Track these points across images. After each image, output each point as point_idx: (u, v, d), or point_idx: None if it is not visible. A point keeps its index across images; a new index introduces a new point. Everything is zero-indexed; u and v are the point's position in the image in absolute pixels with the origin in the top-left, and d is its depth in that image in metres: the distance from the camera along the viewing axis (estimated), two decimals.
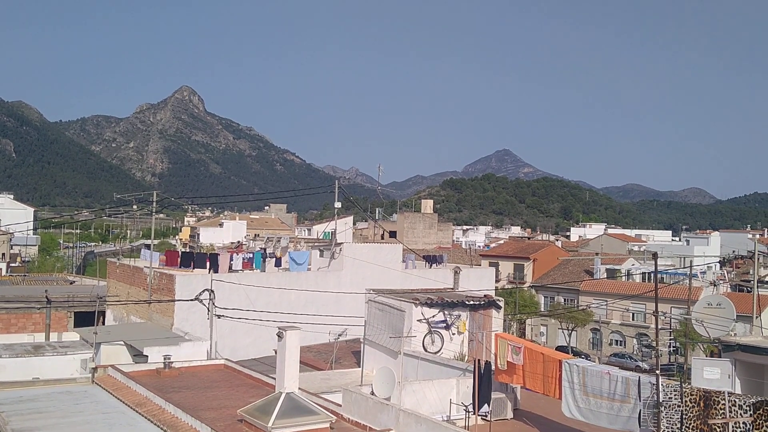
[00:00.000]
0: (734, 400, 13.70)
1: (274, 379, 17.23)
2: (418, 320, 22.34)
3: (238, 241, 76.37)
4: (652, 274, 64.51)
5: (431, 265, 40.75)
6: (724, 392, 14.06)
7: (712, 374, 18.75)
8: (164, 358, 21.22)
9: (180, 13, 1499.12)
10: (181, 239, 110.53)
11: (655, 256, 17.92)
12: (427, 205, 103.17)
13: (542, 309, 73.00)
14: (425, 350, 22.08)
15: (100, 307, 33.35)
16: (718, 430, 13.67)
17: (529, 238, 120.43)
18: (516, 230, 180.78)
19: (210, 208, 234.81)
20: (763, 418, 13.22)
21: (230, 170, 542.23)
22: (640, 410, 14.63)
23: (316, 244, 46.50)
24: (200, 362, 22.49)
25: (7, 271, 66.18)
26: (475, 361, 17.64)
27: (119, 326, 32.45)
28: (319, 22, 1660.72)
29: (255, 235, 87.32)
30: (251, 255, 35.59)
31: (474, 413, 16.84)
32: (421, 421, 14.01)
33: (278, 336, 16.28)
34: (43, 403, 17.59)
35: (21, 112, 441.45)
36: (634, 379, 15.01)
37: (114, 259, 42.09)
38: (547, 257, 79.27)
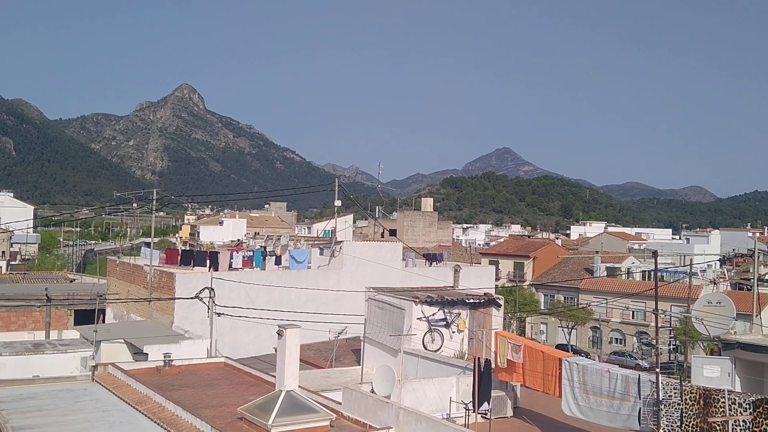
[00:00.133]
0: (734, 398, 13.70)
1: (274, 377, 17.25)
2: (418, 318, 22.35)
3: (238, 240, 76.37)
4: (652, 273, 64.49)
5: (431, 264, 40.75)
6: (723, 390, 14.06)
7: (712, 372, 18.77)
8: (164, 356, 21.23)
9: (180, 11, 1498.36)
10: (181, 237, 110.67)
11: (655, 254, 17.90)
12: (427, 203, 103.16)
13: (542, 307, 73.04)
14: (425, 348, 22.08)
15: (100, 305, 33.36)
16: (717, 428, 13.68)
17: (529, 237, 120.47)
18: (516, 228, 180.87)
19: (210, 207, 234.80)
20: (763, 416, 13.23)
21: (230, 168, 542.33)
22: (640, 408, 14.63)
23: (316, 242, 46.54)
24: (200, 360, 22.51)
25: (7, 269, 66.21)
26: (475, 359, 17.65)
27: (119, 324, 32.47)
28: (319, 21, 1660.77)
29: (255, 233, 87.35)
30: (251, 253, 35.60)
31: (474, 411, 16.85)
32: (420, 419, 14.01)
33: (278, 334, 16.30)
34: (43, 400, 17.61)
35: (21, 110, 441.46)
36: (634, 377, 15.01)
37: (114, 257, 42.12)
38: (547, 255, 79.33)
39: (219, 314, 26.89)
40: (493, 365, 18.17)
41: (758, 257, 45.65)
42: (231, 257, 33.78)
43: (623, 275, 73.00)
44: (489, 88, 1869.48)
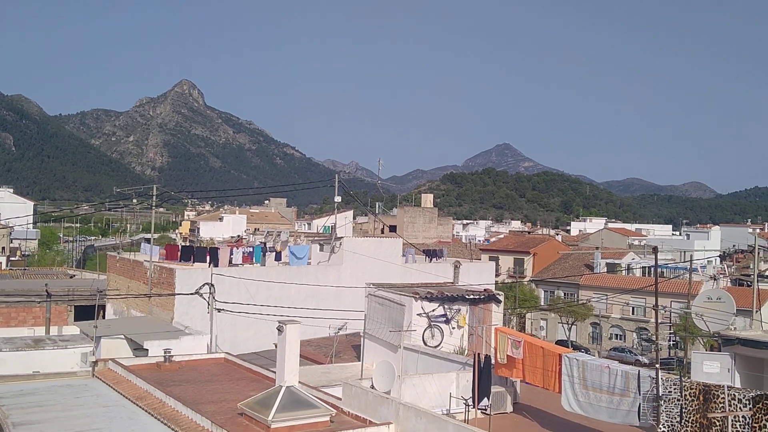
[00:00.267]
0: (734, 394, 13.71)
1: (274, 372, 17.24)
2: (418, 314, 22.36)
3: (238, 235, 76.37)
4: (652, 269, 64.55)
5: (431, 260, 40.75)
6: (723, 386, 14.07)
7: (711, 368, 18.77)
8: (164, 352, 21.23)
9: (180, 7, 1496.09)
10: (181, 233, 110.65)
11: (655, 250, 17.93)
12: (427, 199, 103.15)
13: (542, 303, 73.09)
14: (425, 344, 22.10)
15: (100, 301, 33.38)
16: (717, 423, 13.69)
17: (529, 233, 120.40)
18: (516, 224, 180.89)
19: (210, 202, 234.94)
20: (763, 411, 13.24)
21: (230, 164, 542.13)
22: (640, 404, 14.65)
23: (316, 238, 46.54)
24: (200, 356, 22.51)
25: (7, 265, 66.12)
26: (474, 355, 17.66)
27: (119, 320, 32.48)
28: (319, 16, 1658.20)
29: (255, 229, 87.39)
30: (251, 249, 35.58)
31: (474, 407, 16.87)
32: (420, 415, 14.03)
33: (278, 330, 16.29)
34: (43, 396, 17.62)
35: (21, 105, 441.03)
36: (634, 373, 15.03)
37: (114, 252, 42.09)
38: (547, 251, 79.38)
39: (219, 310, 26.90)
40: (492, 361, 18.18)
41: (758, 253, 45.64)
42: (231, 253, 33.77)
43: (623, 271, 73.03)
44: (489, 84, 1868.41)
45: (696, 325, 23.47)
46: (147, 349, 23.12)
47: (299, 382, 16.22)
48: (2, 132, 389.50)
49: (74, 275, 51.25)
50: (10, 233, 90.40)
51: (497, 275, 62.88)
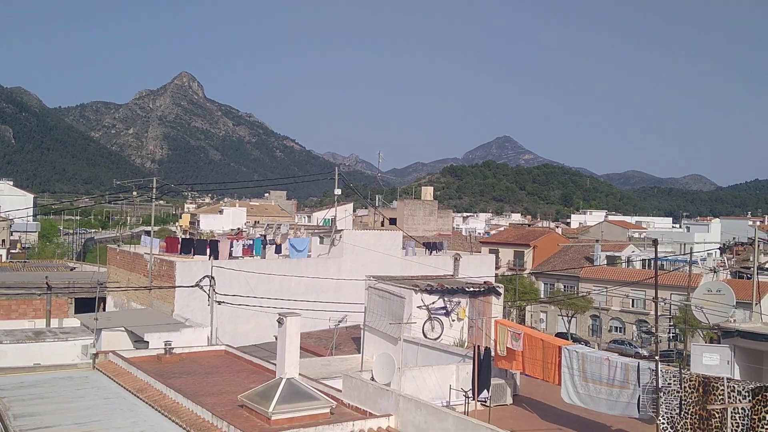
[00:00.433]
0: (733, 386, 13.74)
1: (275, 365, 17.27)
2: (418, 307, 22.38)
3: (238, 228, 76.38)
4: (652, 261, 64.60)
5: (431, 252, 40.77)
6: (723, 378, 14.10)
7: (711, 360, 18.82)
8: (165, 344, 21.26)
9: None
10: (181, 226, 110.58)
11: (655, 242, 17.91)
12: (428, 192, 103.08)
13: (542, 296, 73.15)
14: (425, 336, 22.14)
15: (100, 294, 33.38)
16: (716, 415, 13.72)
17: (529, 225, 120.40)
18: (516, 217, 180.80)
19: (210, 195, 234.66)
20: (762, 403, 13.26)
21: (230, 157, 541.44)
22: (639, 396, 14.68)
23: (316, 230, 46.54)
24: (201, 348, 22.54)
25: (7, 258, 66.22)
26: (474, 347, 17.70)
27: (120, 312, 32.53)
28: (319, 8, 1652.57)
29: (255, 221, 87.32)
30: (251, 242, 35.60)
31: (473, 399, 16.91)
32: (420, 407, 14.05)
33: (278, 322, 16.31)
34: (44, 388, 17.66)
35: (20, 98, 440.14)
36: (634, 365, 15.05)
37: (114, 245, 42.12)
38: (547, 244, 79.39)
39: (219, 302, 26.91)
40: (492, 353, 18.22)
41: (758, 246, 45.66)
42: (231, 246, 33.78)
43: (623, 264, 73.06)
44: (490, 77, 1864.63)
45: (696, 317, 23.50)
46: (147, 342, 23.16)
47: (299, 374, 16.25)
48: (2, 124, 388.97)
49: (74, 268, 51.29)
50: (11, 226, 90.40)
51: (497, 268, 62.90)
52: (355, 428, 13.95)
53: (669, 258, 70.33)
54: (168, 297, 29.52)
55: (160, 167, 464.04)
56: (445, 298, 22.88)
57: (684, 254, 67.30)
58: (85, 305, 34.42)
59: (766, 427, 13.13)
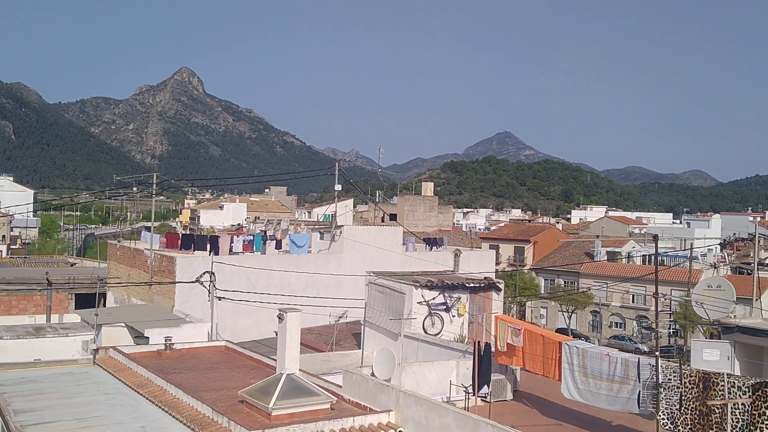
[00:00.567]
0: (733, 382, 13.74)
1: (275, 360, 17.29)
2: (418, 302, 22.39)
3: (239, 224, 76.38)
4: (653, 257, 64.58)
5: (431, 248, 40.77)
6: (723, 374, 14.10)
7: (711, 356, 18.82)
8: (165, 340, 21.27)
9: None
10: (181, 221, 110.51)
11: (655, 238, 17.91)
12: (428, 187, 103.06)
13: (542, 291, 73.18)
14: (425, 332, 22.14)
15: (100, 289, 33.41)
16: (716, 411, 13.73)
17: (529, 221, 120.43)
18: (516, 213, 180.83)
19: (210, 191, 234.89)
20: (762, 399, 13.27)
21: (230, 152, 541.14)
22: (640, 391, 14.68)
23: (316, 226, 46.53)
24: (201, 344, 22.55)
25: (7, 253, 66.18)
26: (475, 342, 17.70)
27: (120, 308, 32.55)
28: (319, 4, 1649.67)
29: (255, 217, 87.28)
30: (251, 237, 35.59)
31: (474, 394, 16.92)
32: (421, 402, 14.07)
33: (279, 318, 16.32)
34: (44, 384, 17.67)
35: (20, 93, 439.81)
36: (634, 360, 15.05)
37: (114, 241, 42.10)
38: (547, 240, 79.35)
39: (219, 298, 26.92)
40: (493, 349, 18.22)
41: (759, 241, 45.65)
42: (231, 241, 33.77)
43: (623, 259, 73.07)
44: (490, 72, 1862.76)
45: (696, 313, 23.54)
46: (148, 337, 23.17)
47: (300, 369, 16.27)
48: (2, 120, 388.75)
49: (75, 263, 51.29)
50: (11, 221, 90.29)
51: (497, 263, 62.93)
52: (355, 424, 13.97)
53: (669, 254, 70.30)
54: (168, 293, 29.54)
55: (161, 163, 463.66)
56: (446, 294, 22.89)
57: (684, 250, 67.26)
58: (86, 301, 34.44)
59: (766, 422, 13.14)
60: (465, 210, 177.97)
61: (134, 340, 24.69)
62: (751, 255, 51.19)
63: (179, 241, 34.68)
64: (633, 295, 66.51)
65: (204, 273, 27.21)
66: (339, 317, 27.04)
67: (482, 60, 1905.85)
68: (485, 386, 17.34)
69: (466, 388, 16.93)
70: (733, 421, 13.45)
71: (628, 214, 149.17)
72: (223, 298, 26.91)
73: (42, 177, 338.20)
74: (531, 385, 19.35)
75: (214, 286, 26.92)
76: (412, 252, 38.14)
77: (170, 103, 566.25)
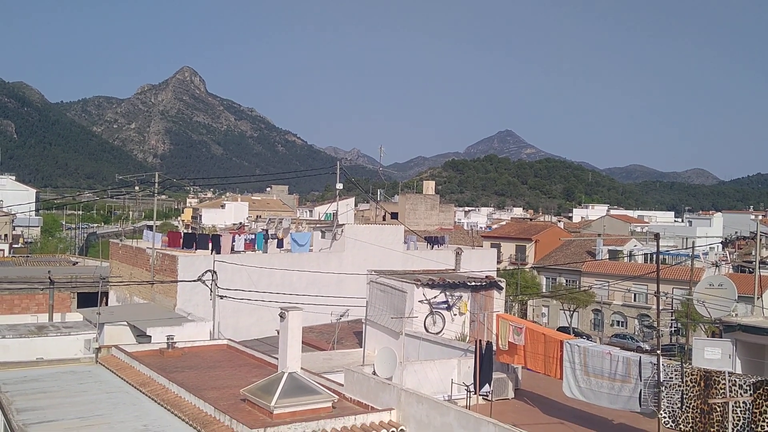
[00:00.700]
0: (734, 380, 13.74)
1: (277, 359, 17.32)
2: (419, 301, 22.40)
3: (240, 223, 76.44)
4: (654, 255, 64.56)
5: (433, 247, 40.78)
6: (724, 372, 14.09)
7: (713, 354, 18.80)
8: (167, 339, 21.31)
9: None
10: (183, 220, 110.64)
11: (657, 237, 17.90)
12: (429, 186, 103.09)
13: (544, 290, 73.16)
14: (427, 331, 22.15)
15: (103, 288, 33.43)
16: (718, 409, 13.73)
17: (531, 220, 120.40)
18: (518, 211, 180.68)
19: (212, 190, 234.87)
20: (764, 397, 13.27)
21: (232, 151, 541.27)
22: (641, 390, 14.68)
23: (317, 225, 46.56)
24: (203, 342, 22.59)
25: (9, 252, 66.28)
26: (476, 341, 17.70)
27: (122, 307, 32.60)
28: (320, 3, 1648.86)
29: (257, 216, 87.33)
30: (253, 236, 35.64)
31: (475, 393, 16.93)
32: (422, 401, 14.08)
33: (280, 316, 16.35)
34: (47, 383, 17.71)
35: (22, 92, 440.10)
36: (635, 359, 15.05)
37: (116, 240, 42.17)
38: (549, 238, 79.32)
39: (221, 297, 26.96)
40: (494, 347, 18.22)
41: (760, 240, 45.57)
42: (233, 240, 33.82)
43: (625, 258, 73.06)
44: (491, 71, 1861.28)
45: (697, 311, 23.52)
46: (150, 336, 23.21)
47: (301, 368, 16.30)
48: (4, 119, 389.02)
49: (77, 262, 51.36)
50: (13, 221, 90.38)
51: (499, 262, 62.93)
52: (356, 422, 13.99)
53: (671, 252, 70.31)
54: (170, 291, 29.58)
55: (162, 162, 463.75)
56: (447, 293, 22.89)
57: (686, 248, 67.28)
58: (88, 300, 34.51)
59: (767, 421, 13.15)
60: (466, 208, 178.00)
61: (136, 338, 24.73)
62: (753, 253, 51.14)
63: (181, 240, 34.74)
64: (634, 294, 66.49)
65: (206, 272, 27.25)
66: (340, 316, 27.05)
67: (483, 58, 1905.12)
68: (487, 385, 17.34)
69: (467, 386, 16.94)
70: (734, 420, 13.46)
71: (630, 213, 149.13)
72: (225, 296, 26.95)
73: (44, 176, 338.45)
74: (532, 383, 19.36)
75: (216, 284, 26.96)
76: (414, 251, 38.16)
77: (172, 103, 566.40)
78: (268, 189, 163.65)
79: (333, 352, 24.40)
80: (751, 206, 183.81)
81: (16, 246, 77.17)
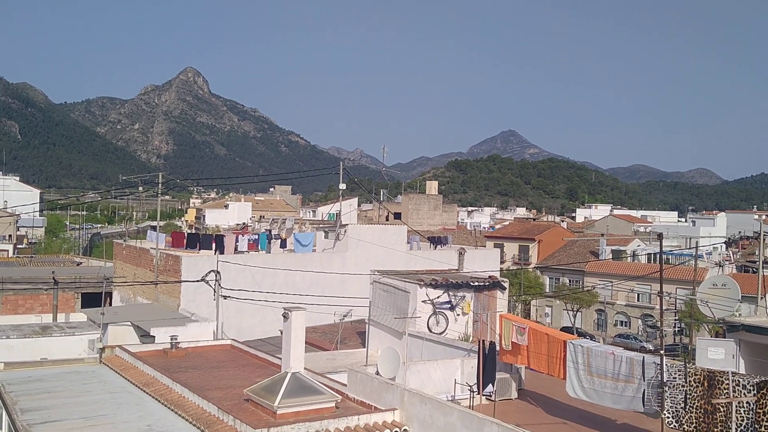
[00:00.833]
0: (738, 380, 13.72)
1: (280, 359, 17.33)
2: (422, 301, 22.40)
3: (244, 223, 76.59)
4: (658, 255, 64.47)
5: (436, 247, 40.78)
6: (728, 372, 14.07)
7: (716, 354, 18.77)
8: (171, 339, 21.36)
9: None
10: (186, 221, 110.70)
11: (660, 236, 17.86)
12: (432, 186, 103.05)
13: (547, 290, 73.09)
14: (430, 331, 22.16)
15: (107, 288, 33.55)
16: (721, 409, 13.72)
17: (534, 220, 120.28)
18: (521, 211, 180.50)
19: (215, 190, 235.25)
20: (767, 397, 13.25)
21: (235, 152, 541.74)
22: (644, 390, 14.68)
23: (321, 225, 46.58)
24: (207, 342, 22.63)
25: (14, 253, 66.45)
26: (479, 341, 17.70)
27: (126, 307, 32.67)
28: (324, 3, 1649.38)
29: (260, 216, 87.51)
30: (256, 236, 35.67)
31: (478, 393, 16.94)
32: (425, 401, 14.09)
33: (284, 317, 16.36)
34: (51, 383, 17.76)
35: (26, 93, 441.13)
36: (639, 359, 15.03)
37: (120, 240, 42.25)
38: (552, 238, 79.23)
39: (225, 297, 27.01)
40: (497, 347, 18.23)
41: (764, 239, 45.47)
42: (236, 240, 33.85)
43: (629, 258, 72.94)
44: (494, 71, 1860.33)
45: (701, 311, 23.46)
46: (154, 336, 23.26)
47: (305, 368, 16.31)
48: (8, 120, 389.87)
49: (81, 263, 51.47)
50: (17, 221, 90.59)
51: (502, 262, 62.84)
52: (360, 422, 14.00)
53: (674, 252, 70.15)
54: (174, 292, 29.64)
55: (166, 162, 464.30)
56: (450, 293, 22.90)
57: (689, 248, 67.11)
58: (92, 300, 34.59)
59: None
60: (469, 208, 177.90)
61: (140, 339, 24.79)
62: (757, 253, 51.03)
63: (185, 241, 34.77)
64: (638, 294, 66.38)
65: (209, 272, 27.30)
66: (344, 316, 27.07)
67: (486, 58, 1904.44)
68: (490, 385, 17.34)
69: (470, 386, 16.94)
70: (737, 420, 13.44)
71: (633, 213, 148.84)
72: (229, 297, 27.00)
73: (48, 177, 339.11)
74: (536, 383, 19.35)
75: (220, 285, 27.01)
76: (417, 251, 38.16)
77: (175, 103, 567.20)
78: (272, 189, 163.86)
79: (336, 352, 24.43)
80: (755, 206, 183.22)
81: (20, 246, 77.30)
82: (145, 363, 18.52)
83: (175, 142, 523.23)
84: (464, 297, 23.05)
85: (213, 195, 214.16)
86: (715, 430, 13.75)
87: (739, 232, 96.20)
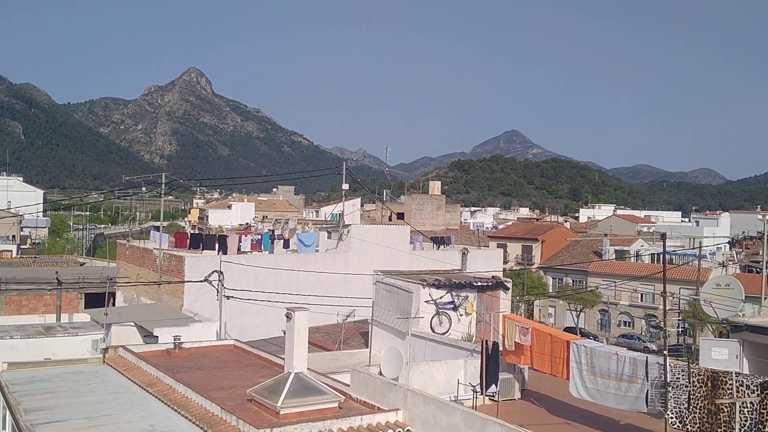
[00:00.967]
0: (742, 380, 13.70)
1: (283, 359, 17.34)
2: (425, 301, 22.39)
3: (247, 223, 76.64)
4: (661, 255, 64.37)
5: (439, 247, 40.76)
6: (731, 372, 14.05)
7: (720, 355, 18.75)
8: (174, 339, 21.38)
9: None
10: (189, 221, 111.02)
11: (663, 236, 17.82)
12: (435, 186, 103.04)
13: (550, 290, 73.03)
14: (433, 331, 22.14)
15: (110, 289, 33.59)
16: (725, 410, 13.69)
17: (537, 220, 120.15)
18: (524, 211, 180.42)
19: (218, 190, 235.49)
20: None
21: (238, 152, 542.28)
22: (648, 390, 14.64)
23: (323, 225, 46.57)
24: (210, 343, 22.65)
25: (17, 253, 66.59)
26: (482, 341, 17.68)
27: (129, 307, 32.71)
28: (326, 3, 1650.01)
29: (263, 216, 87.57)
30: (259, 237, 35.68)
31: (482, 393, 16.92)
32: (428, 401, 14.09)
33: (287, 317, 16.37)
34: (54, 383, 17.79)
35: (29, 94, 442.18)
36: (642, 359, 15.00)
37: (124, 240, 42.31)
38: (555, 238, 79.17)
39: (228, 297, 27.03)
40: (500, 348, 18.20)
41: None
42: (239, 241, 33.87)
43: (632, 258, 72.83)
44: (498, 71, 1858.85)
45: (705, 311, 23.45)
46: (157, 336, 23.29)
47: (308, 368, 16.32)
48: (11, 120, 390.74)
49: (84, 263, 51.59)
50: (21, 221, 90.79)
51: (505, 262, 62.85)
52: (363, 422, 14.00)
53: (678, 252, 70.02)
54: (177, 292, 29.66)
55: (169, 163, 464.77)
56: (453, 293, 22.88)
57: (693, 248, 67.00)
58: (95, 300, 34.65)
59: None
60: (472, 209, 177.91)
61: (143, 339, 24.82)
62: (760, 253, 50.94)
63: (188, 241, 34.83)
64: (641, 294, 66.29)
65: (212, 272, 27.34)
66: (347, 316, 27.07)
67: (489, 58, 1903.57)
68: (493, 385, 17.32)
69: (473, 387, 16.93)
70: (741, 420, 13.41)
71: (637, 213, 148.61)
72: (232, 297, 27.02)
73: (51, 177, 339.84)
74: (539, 384, 19.33)
75: (223, 285, 27.03)
76: (420, 251, 38.14)
77: (179, 104, 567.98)
78: (275, 189, 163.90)
79: (339, 352, 24.43)
80: (759, 206, 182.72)
81: (23, 247, 77.46)
82: (149, 363, 18.55)
83: (178, 142, 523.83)
84: (467, 297, 23.03)
85: (216, 195, 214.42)
86: (719, 430, 13.72)
87: (743, 232, 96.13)
